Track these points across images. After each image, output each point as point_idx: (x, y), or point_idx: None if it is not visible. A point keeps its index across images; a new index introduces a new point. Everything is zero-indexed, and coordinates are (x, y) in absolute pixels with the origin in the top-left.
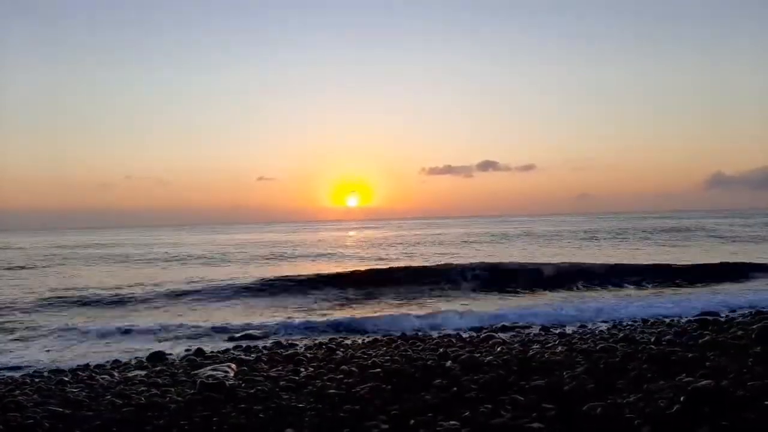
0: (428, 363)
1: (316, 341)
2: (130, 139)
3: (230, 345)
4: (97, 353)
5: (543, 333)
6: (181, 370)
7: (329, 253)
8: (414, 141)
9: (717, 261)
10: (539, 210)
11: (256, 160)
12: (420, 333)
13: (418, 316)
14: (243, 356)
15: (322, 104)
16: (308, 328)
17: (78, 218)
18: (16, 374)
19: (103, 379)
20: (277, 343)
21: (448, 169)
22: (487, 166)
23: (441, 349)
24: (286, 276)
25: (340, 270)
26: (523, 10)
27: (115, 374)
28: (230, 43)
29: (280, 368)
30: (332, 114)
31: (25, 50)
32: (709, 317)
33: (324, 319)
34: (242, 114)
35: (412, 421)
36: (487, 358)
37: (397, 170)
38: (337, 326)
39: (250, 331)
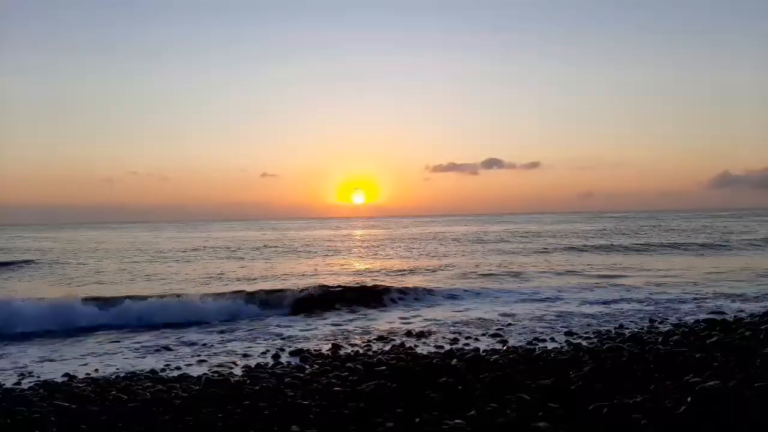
0: (434, 361)
1: (322, 338)
2: (135, 136)
3: (236, 340)
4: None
5: (550, 331)
6: (186, 366)
7: None
8: (418, 138)
9: None
10: (544, 208)
11: (260, 157)
12: (426, 331)
13: None
14: (249, 352)
15: (326, 101)
16: None
17: (80, 214)
18: (24, 368)
19: (109, 373)
20: (283, 339)
21: (453, 167)
22: (491, 163)
23: (447, 347)
24: None
25: None
26: (529, 10)
27: (121, 368)
28: (235, 41)
29: (284, 365)
30: (337, 111)
31: (31, 48)
32: (717, 317)
33: None
34: (246, 110)
35: (417, 419)
36: (493, 357)
37: (401, 167)
38: None
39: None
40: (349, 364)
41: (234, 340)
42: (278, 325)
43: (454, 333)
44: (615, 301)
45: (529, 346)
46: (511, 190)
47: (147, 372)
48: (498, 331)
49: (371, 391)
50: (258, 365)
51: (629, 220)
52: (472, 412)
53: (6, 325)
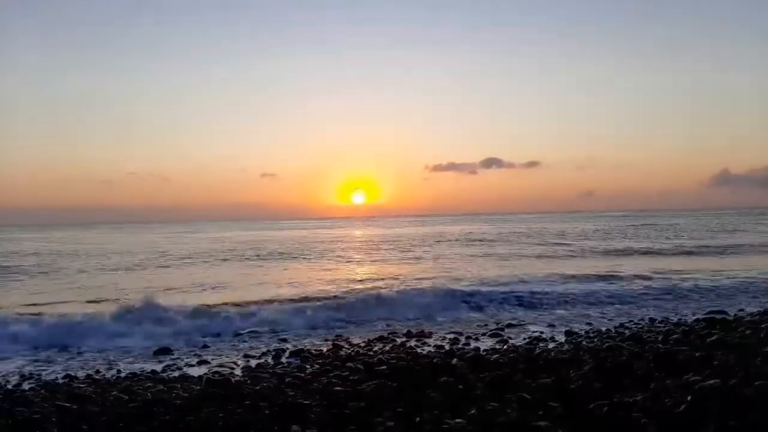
0: (434, 361)
1: (322, 338)
2: (133, 136)
3: (237, 341)
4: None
5: (550, 331)
6: (187, 366)
7: None
8: (417, 138)
9: None
10: (544, 207)
11: (260, 157)
12: (426, 331)
13: None
14: (249, 352)
15: (326, 101)
16: None
17: (80, 215)
18: (24, 369)
19: (110, 374)
20: (283, 340)
21: (452, 166)
22: (491, 163)
23: (447, 347)
24: None
25: None
26: (529, 8)
27: (122, 369)
28: (235, 40)
29: (285, 365)
30: (336, 111)
31: (29, 48)
32: (717, 316)
33: None
34: (246, 110)
35: (418, 419)
36: (494, 356)
37: (400, 167)
38: None
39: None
40: (349, 364)
41: (235, 340)
42: (278, 326)
43: (455, 333)
44: (615, 301)
45: (529, 346)
46: (510, 189)
47: (148, 372)
48: (498, 331)
49: (372, 391)
50: (259, 365)
51: (629, 220)
52: (473, 411)
53: None
